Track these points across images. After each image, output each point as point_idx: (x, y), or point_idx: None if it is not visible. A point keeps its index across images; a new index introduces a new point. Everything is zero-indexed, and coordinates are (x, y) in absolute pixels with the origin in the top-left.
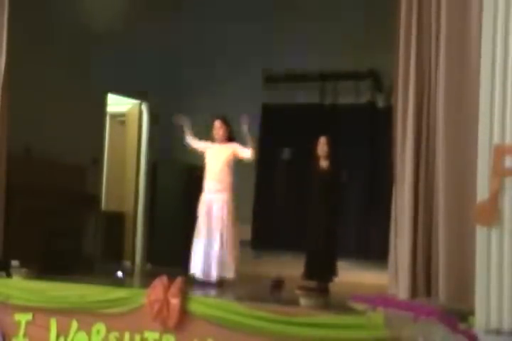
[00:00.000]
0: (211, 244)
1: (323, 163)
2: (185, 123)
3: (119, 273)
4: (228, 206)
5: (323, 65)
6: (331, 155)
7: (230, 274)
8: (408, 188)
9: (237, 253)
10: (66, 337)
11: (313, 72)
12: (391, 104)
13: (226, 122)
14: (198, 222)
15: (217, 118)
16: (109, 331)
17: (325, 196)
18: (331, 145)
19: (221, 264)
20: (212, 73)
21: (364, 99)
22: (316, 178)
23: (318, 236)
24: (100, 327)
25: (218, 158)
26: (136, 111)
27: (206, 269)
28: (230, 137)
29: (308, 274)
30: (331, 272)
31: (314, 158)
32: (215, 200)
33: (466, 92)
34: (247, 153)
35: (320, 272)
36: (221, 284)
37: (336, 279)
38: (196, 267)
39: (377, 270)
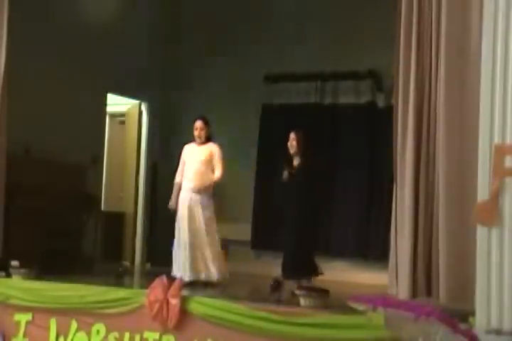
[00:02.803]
0: (190, 245)
1: (295, 160)
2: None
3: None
4: (206, 206)
5: (323, 65)
6: (304, 152)
7: (213, 275)
8: (408, 188)
9: (219, 252)
10: (66, 337)
11: (313, 72)
12: (391, 104)
13: (207, 122)
14: (177, 223)
15: (199, 118)
16: (108, 331)
17: (296, 194)
18: (302, 141)
19: (203, 265)
20: (212, 73)
21: (364, 99)
22: (287, 176)
23: (291, 235)
24: (100, 328)
25: (196, 157)
26: (135, 111)
27: (189, 271)
28: (209, 137)
29: (284, 274)
30: (309, 270)
31: (288, 154)
32: (193, 200)
33: (467, 92)
34: (217, 172)
35: (296, 271)
36: (208, 285)
37: (336, 279)
38: (178, 269)
39: (377, 270)
